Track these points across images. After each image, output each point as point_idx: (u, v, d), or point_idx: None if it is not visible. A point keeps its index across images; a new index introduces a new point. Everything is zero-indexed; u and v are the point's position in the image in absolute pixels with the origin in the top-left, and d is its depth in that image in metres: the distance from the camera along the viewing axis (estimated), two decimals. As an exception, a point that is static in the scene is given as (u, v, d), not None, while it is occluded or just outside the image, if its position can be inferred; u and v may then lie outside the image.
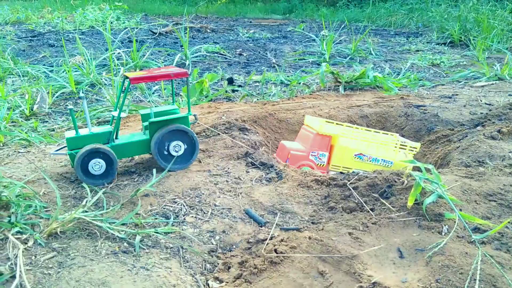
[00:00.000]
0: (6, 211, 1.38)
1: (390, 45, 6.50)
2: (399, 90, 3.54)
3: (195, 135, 1.82)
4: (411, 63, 4.89)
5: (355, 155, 2.19)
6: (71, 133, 1.70)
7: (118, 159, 1.74)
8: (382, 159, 2.21)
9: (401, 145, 2.22)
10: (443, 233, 1.39)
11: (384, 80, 3.52)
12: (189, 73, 1.78)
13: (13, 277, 1.15)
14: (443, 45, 6.38)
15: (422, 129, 2.61)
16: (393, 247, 1.35)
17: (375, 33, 7.82)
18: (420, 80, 4.00)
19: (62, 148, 1.79)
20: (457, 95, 3.31)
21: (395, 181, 1.64)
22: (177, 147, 1.80)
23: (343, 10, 11.88)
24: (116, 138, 1.78)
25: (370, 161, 2.20)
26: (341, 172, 2.20)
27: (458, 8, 7.94)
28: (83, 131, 1.71)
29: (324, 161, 2.20)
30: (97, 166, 1.66)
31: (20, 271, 1.15)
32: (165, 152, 1.80)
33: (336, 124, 2.21)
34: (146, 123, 1.79)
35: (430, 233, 1.40)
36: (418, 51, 5.91)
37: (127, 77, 1.70)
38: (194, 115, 1.91)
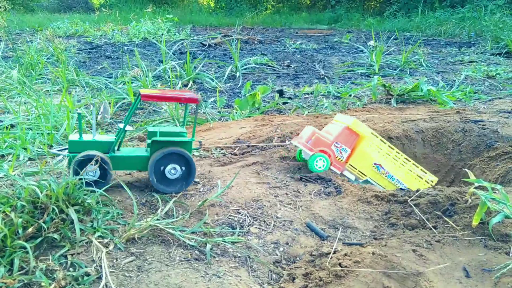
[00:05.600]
0: (88, 217, 1.50)
1: (441, 56, 6.36)
2: (454, 103, 3.47)
3: (193, 162, 1.79)
4: (464, 75, 4.76)
5: (375, 164, 2.14)
6: (75, 136, 1.74)
7: (115, 170, 1.76)
8: (397, 179, 2.17)
9: (417, 175, 2.18)
10: (510, 254, 1.37)
11: (439, 93, 3.46)
12: (199, 99, 1.79)
13: (99, 278, 1.26)
14: (498, 55, 6.17)
15: (481, 145, 2.55)
16: (458, 266, 1.35)
17: (425, 43, 7.67)
18: (475, 93, 3.90)
19: (64, 149, 1.83)
20: (516, 109, 3.21)
21: (458, 199, 1.63)
22: (173, 170, 1.78)
23: (390, 19, 11.72)
24: (118, 149, 1.81)
25: (386, 176, 2.16)
26: (355, 177, 2.18)
27: (514, 16, 7.64)
28: (86, 137, 1.75)
29: (344, 156, 2.13)
30: (91, 172, 1.67)
31: (106, 273, 1.25)
32: (160, 173, 1.78)
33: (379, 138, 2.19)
34: (150, 141, 1.80)
35: (497, 254, 1.38)
36: (471, 62, 5.75)
37: (140, 93, 1.73)
38: (199, 142, 1.95)
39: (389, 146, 2.18)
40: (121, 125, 1.79)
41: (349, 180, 2.12)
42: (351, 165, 2.15)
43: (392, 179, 2.16)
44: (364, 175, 2.16)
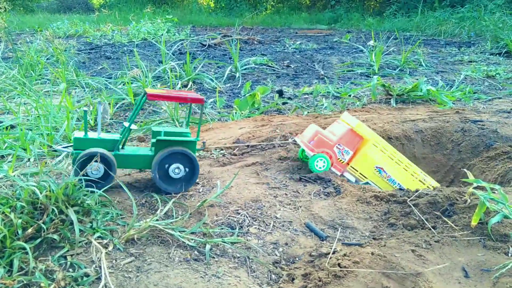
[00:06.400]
0: (88, 217, 1.50)
1: (441, 55, 6.36)
2: (453, 103, 3.48)
3: (197, 162, 1.80)
4: (464, 74, 4.77)
5: (376, 167, 2.14)
6: (80, 134, 1.74)
7: (119, 169, 1.75)
8: (399, 183, 2.17)
9: (420, 180, 2.18)
10: (509, 254, 1.38)
11: (438, 93, 3.46)
12: (205, 100, 1.79)
13: (98, 278, 1.26)
14: (497, 55, 6.17)
15: (480, 145, 2.56)
16: (457, 266, 1.35)
17: (425, 43, 7.67)
18: (475, 93, 3.90)
19: (69, 146, 1.84)
20: (516, 109, 3.21)
21: (457, 199, 1.63)
22: (176, 170, 1.78)
23: (390, 19, 11.72)
24: (122, 147, 1.82)
25: (388, 180, 2.16)
26: (355, 179, 2.18)
27: (514, 16, 7.65)
28: (91, 134, 1.76)
29: (346, 158, 2.13)
30: (95, 170, 1.67)
31: (105, 274, 1.25)
32: (164, 172, 1.78)
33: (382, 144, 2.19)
34: (154, 140, 1.80)
35: (496, 254, 1.39)
36: (471, 62, 5.75)
37: (146, 93, 1.74)
38: (203, 142, 1.95)
39: (393, 151, 2.18)
40: (126, 124, 1.80)
41: (349, 181, 2.12)
42: (352, 167, 2.15)
43: (393, 183, 2.16)
44: (365, 177, 2.17)
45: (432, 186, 2.19)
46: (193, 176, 1.82)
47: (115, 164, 1.71)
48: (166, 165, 1.78)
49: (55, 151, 2.27)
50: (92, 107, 3.25)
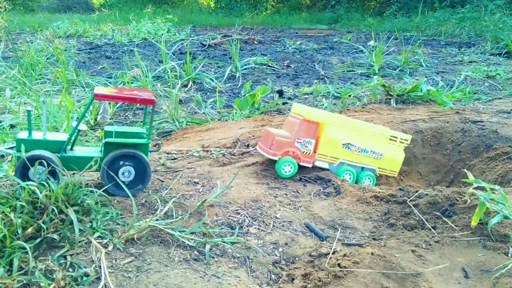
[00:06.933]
0: (88, 217, 1.50)
1: (441, 56, 6.36)
2: (453, 104, 3.48)
3: (149, 165, 1.71)
4: (464, 75, 4.77)
5: (343, 144, 2.10)
6: (24, 134, 1.64)
7: (69, 171, 1.64)
8: (371, 150, 2.13)
9: (391, 137, 2.17)
10: (509, 255, 1.38)
11: (438, 94, 3.46)
12: (155, 101, 1.70)
13: (98, 278, 1.26)
14: (498, 55, 6.17)
15: (480, 146, 2.55)
16: (457, 267, 1.35)
17: (425, 43, 7.67)
18: (475, 93, 3.90)
19: (12, 147, 1.72)
20: (516, 110, 3.21)
21: (457, 200, 1.63)
22: (126, 173, 1.70)
23: (390, 19, 11.72)
24: (71, 149, 1.73)
25: (359, 151, 2.12)
26: (328, 164, 2.14)
27: (514, 17, 7.65)
28: (36, 135, 1.65)
29: (310, 149, 2.08)
30: (37, 173, 1.57)
31: (105, 274, 1.25)
32: (113, 175, 1.69)
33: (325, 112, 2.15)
34: (104, 141, 1.71)
35: (496, 254, 1.39)
36: (471, 62, 5.75)
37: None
38: (157, 144, 1.83)
39: (352, 122, 2.14)
40: (74, 124, 1.70)
41: (323, 169, 2.10)
42: (320, 154, 2.10)
43: (366, 152, 2.13)
44: (337, 158, 2.12)
45: (405, 140, 2.17)
46: (144, 180, 1.74)
47: (59, 166, 1.60)
48: (116, 168, 1.69)
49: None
50: (91, 107, 3.24)
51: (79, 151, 1.75)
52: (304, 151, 2.07)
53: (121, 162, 1.69)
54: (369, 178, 2.14)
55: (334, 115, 2.14)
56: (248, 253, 1.44)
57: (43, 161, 1.58)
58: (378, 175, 2.20)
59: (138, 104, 1.64)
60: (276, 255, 1.47)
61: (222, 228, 1.56)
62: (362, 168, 2.17)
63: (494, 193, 1.62)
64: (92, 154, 1.73)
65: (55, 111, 2.86)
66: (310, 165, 2.09)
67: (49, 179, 1.51)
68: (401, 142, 2.19)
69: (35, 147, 1.64)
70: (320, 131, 2.10)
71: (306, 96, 4.00)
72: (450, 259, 1.39)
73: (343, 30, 10.93)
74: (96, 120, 3.14)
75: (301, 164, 2.07)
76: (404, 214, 1.65)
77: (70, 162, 1.68)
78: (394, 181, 2.48)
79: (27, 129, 1.66)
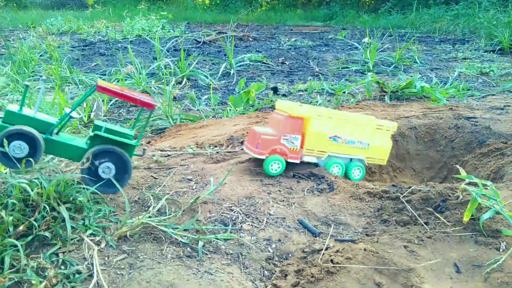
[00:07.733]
0: (80, 214, 1.49)
1: (435, 52, 6.38)
2: (447, 100, 3.49)
3: (130, 167, 1.69)
4: (458, 71, 4.78)
5: (330, 137, 2.09)
6: (14, 107, 1.60)
7: (48, 154, 1.61)
8: (358, 141, 2.13)
9: (377, 125, 2.17)
10: (501, 250, 1.39)
11: (432, 90, 3.47)
12: (155, 105, 1.69)
13: (90, 276, 1.25)
14: (491, 52, 6.20)
15: (474, 142, 2.57)
16: (449, 262, 1.36)
17: (419, 40, 7.69)
18: (468, 90, 3.91)
19: None
20: (509, 106, 3.23)
21: (450, 195, 1.64)
22: (106, 170, 1.66)
23: (385, 16, 11.74)
24: (57, 133, 1.69)
25: (346, 143, 2.12)
26: (316, 158, 2.13)
27: (508, 13, 7.68)
28: (27, 111, 1.61)
29: (297, 145, 2.07)
30: (18, 149, 1.53)
31: (97, 271, 1.25)
32: (92, 169, 1.65)
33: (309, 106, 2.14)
34: (92, 134, 1.68)
35: (488, 249, 1.39)
36: (465, 59, 5.77)
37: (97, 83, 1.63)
38: (144, 149, 1.84)
39: (338, 114, 2.13)
40: (68, 110, 1.67)
41: (312, 163, 2.10)
42: (307, 149, 2.09)
43: (353, 143, 2.13)
44: (324, 152, 2.12)
45: (392, 127, 2.18)
46: (123, 180, 1.70)
47: (42, 147, 1.56)
48: (97, 162, 1.65)
49: None
50: (84, 104, 3.22)
51: (65, 137, 1.70)
52: (291, 148, 2.07)
53: (103, 158, 1.66)
54: (358, 169, 2.14)
55: (318, 108, 2.13)
56: (241, 249, 1.44)
57: (27, 136, 1.53)
58: (367, 165, 2.20)
59: (133, 104, 1.60)
60: (269, 252, 1.47)
61: (215, 225, 1.56)
62: (351, 159, 2.17)
63: (486, 189, 1.63)
64: (77, 144, 1.68)
65: (47, 108, 2.84)
66: (298, 161, 2.08)
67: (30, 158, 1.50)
68: (388, 130, 2.18)
69: (23, 122, 1.58)
70: (305, 126, 2.09)
71: (301, 93, 4.00)
72: (442, 254, 1.39)
73: (338, 27, 10.94)
74: (89, 118, 3.12)
75: (289, 160, 2.06)
76: (397, 210, 1.66)
77: (55, 146, 1.64)
78: (387, 177, 2.49)
79: (20, 104, 1.61)
